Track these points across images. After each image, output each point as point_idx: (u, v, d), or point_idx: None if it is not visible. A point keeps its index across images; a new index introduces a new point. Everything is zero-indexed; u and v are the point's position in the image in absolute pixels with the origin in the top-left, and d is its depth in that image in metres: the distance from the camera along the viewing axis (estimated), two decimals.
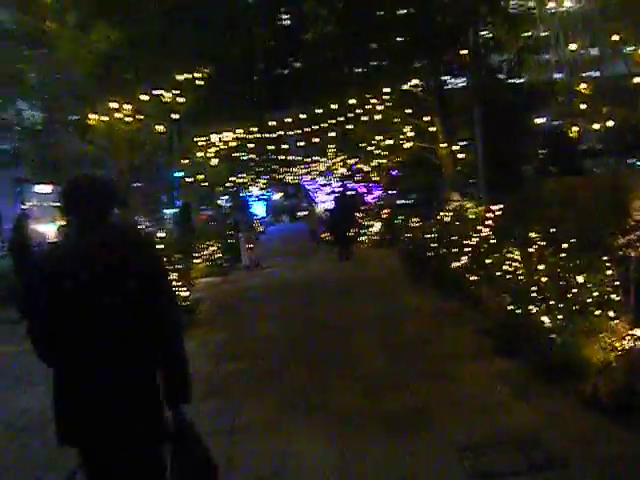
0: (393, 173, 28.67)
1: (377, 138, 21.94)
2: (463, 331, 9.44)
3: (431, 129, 18.74)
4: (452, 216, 15.62)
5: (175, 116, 13.82)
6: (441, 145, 18.30)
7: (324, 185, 45.00)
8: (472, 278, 10.71)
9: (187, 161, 21.67)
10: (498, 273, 9.59)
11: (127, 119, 11.75)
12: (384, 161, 27.89)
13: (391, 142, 19.56)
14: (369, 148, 24.55)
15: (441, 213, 16.75)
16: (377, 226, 27.29)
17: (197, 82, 13.56)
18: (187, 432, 3.23)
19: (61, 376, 3.23)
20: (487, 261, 10.41)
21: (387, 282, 15.49)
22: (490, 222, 11.79)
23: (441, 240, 14.06)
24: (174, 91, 12.74)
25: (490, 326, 8.74)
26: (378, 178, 29.70)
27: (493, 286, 9.33)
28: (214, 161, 23.92)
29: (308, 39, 22.50)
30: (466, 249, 12.25)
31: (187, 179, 23.68)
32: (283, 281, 17.71)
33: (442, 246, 13.77)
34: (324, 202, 44.49)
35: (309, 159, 37.67)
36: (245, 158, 31.98)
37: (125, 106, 11.65)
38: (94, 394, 3.13)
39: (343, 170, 35.76)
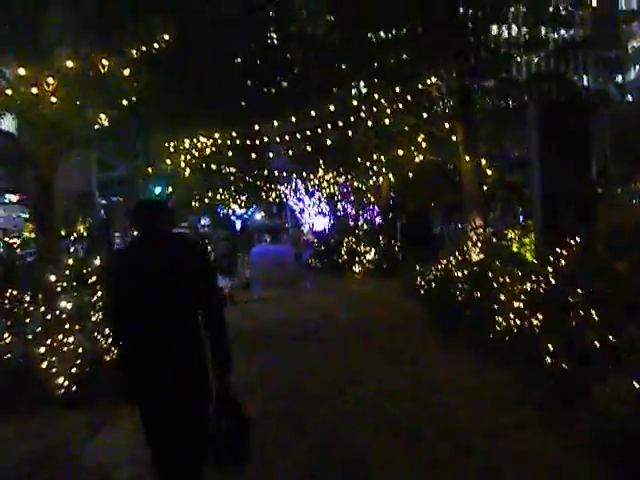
0: (393, 193, 25.18)
1: (381, 148, 18.32)
2: (565, 450, 5.77)
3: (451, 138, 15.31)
4: (486, 247, 12.21)
5: (125, 102, 10.16)
6: (464, 158, 14.82)
7: (310, 205, 41.35)
8: (549, 346, 7.11)
9: (151, 170, 18.07)
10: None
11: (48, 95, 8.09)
12: (385, 178, 24.44)
13: (400, 153, 15.90)
14: (368, 163, 21.05)
15: (468, 243, 13.28)
16: (372, 253, 23.84)
17: (156, 49, 9.83)
18: (228, 395, 3.98)
19: (130, 351, 4.05)
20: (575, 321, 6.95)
21: (400, 331, 11.89)
22: (562, 262, 8.27)
23: (479, 280, 10.56)
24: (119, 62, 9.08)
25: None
26: (373, 199, 26.19)
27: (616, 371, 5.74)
28: (187, 171, 20.31)
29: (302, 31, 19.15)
30: (523, 297, 8.76)
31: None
32: (260, 324, 13.97)
33: (481, 290, 10.27)
34: (311, 223, 40.93)
35: (295, 175, 34.12)
36: (224, 171, 28.42)
37: (41, 76, 8.03)
38: (157, 364, 3.95)
39: (334, 189, 32.19)
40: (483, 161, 14.64)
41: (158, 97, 11.94)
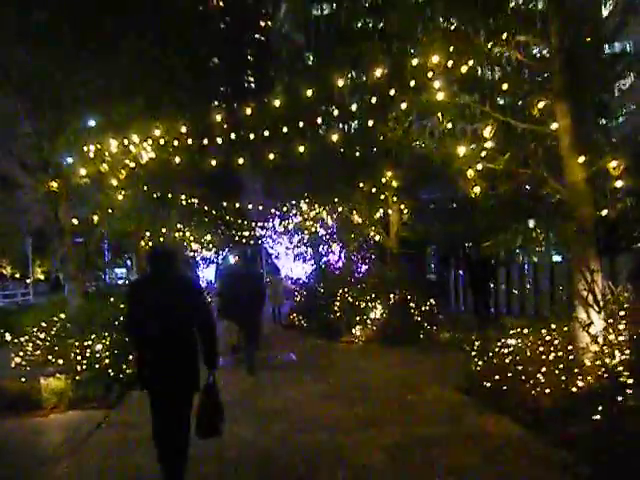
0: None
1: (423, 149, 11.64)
2: None
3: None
4: None
5: None
6: (574, 162, 8.56)
7: (290, 248, 34.90)
8: None
9: (55, 184, 11.67)
10: None
11: None
12: (395, 209, 18.25)
13: (464, 151, 9.36)
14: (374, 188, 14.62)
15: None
16: (379, 310, 17.46)
17: None
18: (211, 386, 5.94)
19: (141, 351, 6.08)
20: None
21: None
22: None
23: None
24: None
25: None
26: (378, 237, 19.82)
27: None
28: (120, 193, 13.84)
29: None
30: None
31: (73, 220, 13.44)
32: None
33: None
34: (290, 269, 34.46)
35: (273, 210, 27.74)
36: (184, 201, 21.98)
37: None
38: (160, 362, 5.87)
39: (320, 226, 25.83)
40: (612, 164, 8.34)
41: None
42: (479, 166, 9.77)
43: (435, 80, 9.31)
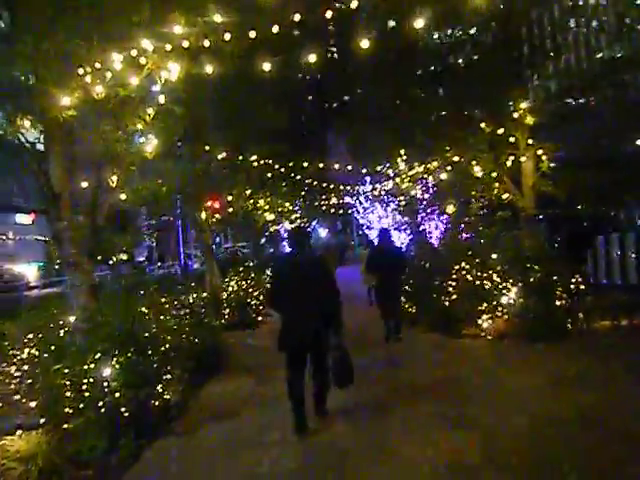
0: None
1: None
2: None
3: None
4: None
5: None
6: None
7: (382, 217, 30.17)
8: None
9: (28, 123, 7.56)
10: None
11: None
12: (531, 157, 13.46)
13: None
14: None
15: None
16: (512, 293, 12.76)
17: None
18: (340, 346, 7.45)
19: (285, 318, 7.48)
20: None
21: None
22: None
23: None
24: None
25: None
26: (507, 194, 14.94)
27: None
28: (145, 143, 9.69)
29: None
30: None
31: (82, 183, 9.33)
32: None
33: None
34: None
35: (365, 170, 23.11)
36: (253, 163, 17.68)
37: None
38: (299, 326, 7.33)
39: (424, 185, 21.11)
40: None
41: None
42: None
43: None
